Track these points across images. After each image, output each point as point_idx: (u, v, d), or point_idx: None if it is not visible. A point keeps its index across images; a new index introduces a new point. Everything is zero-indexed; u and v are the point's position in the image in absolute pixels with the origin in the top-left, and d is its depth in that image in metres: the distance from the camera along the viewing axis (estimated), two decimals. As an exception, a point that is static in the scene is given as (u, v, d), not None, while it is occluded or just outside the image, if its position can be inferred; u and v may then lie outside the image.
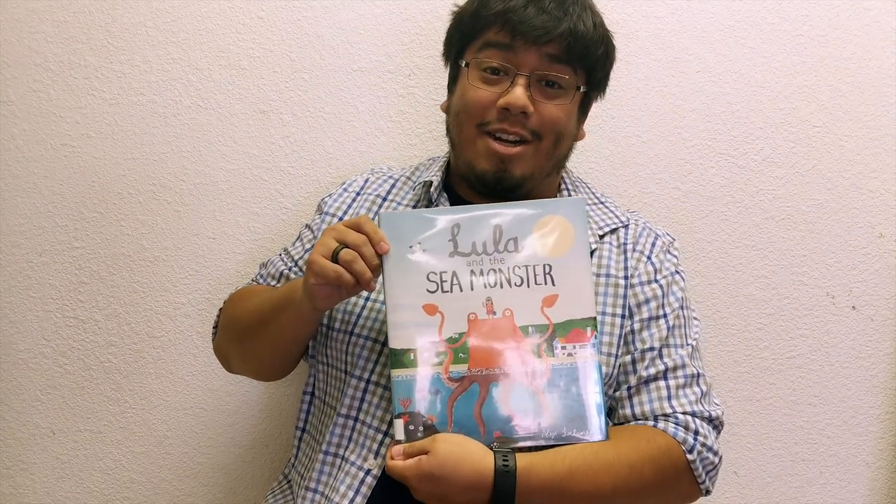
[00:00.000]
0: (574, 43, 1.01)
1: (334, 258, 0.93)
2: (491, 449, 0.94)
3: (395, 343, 0.97)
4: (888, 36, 1.46)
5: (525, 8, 1.00)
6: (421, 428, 0.96)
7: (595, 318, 0.98)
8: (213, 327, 1.23)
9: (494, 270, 0.98)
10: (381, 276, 0.99)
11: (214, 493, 1.47)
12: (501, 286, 0.97)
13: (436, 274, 0.97)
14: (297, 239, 1.21)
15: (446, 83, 1.17)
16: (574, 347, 0.97)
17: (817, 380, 1.50)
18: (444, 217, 0.99)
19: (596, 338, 0.98)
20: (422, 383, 0.96)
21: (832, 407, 1.50)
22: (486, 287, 0.97)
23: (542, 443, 0.97)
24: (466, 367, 0.96)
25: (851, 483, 1.52)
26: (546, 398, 0.96)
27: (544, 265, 0.98)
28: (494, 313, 0.97)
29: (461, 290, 0.97)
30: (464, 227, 0.98)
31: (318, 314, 1.03)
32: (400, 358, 0.97)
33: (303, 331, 1.06)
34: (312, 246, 1.11)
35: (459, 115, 1.07)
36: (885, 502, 1.53)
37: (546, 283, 0.98)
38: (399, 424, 0.96)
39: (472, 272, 0.98)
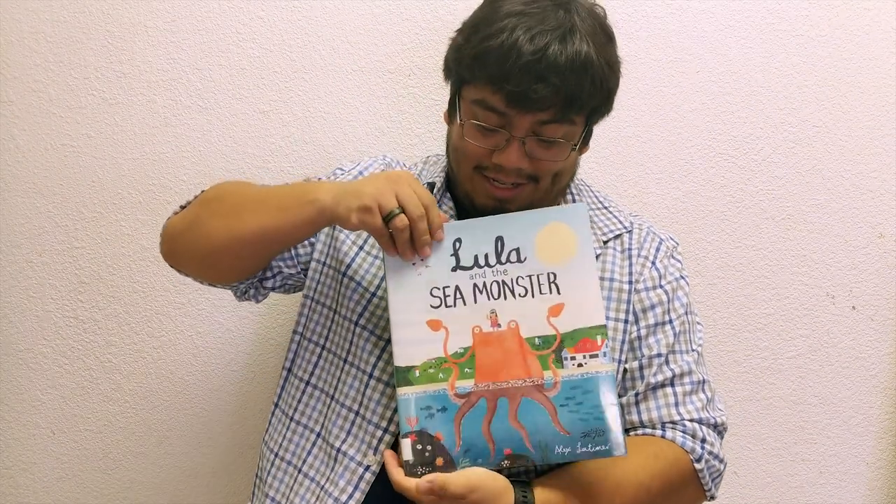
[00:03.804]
0: (571, 104, 0.96)
1: (387, 218, 0.90)
2: (499, 469, 0.91)
3: (399, 360, 0.94)
4: (888, 36, 1.42)
5: (523, 72, 0.93)
6: (429, 447, 0.92)
7: (604, 326, 0.93)
8: (181, 206, 1.13)
9: (498, 282, 0.94)
10: (384, 285, 0.96)
11: (214, 493, 1.44)
12: (505, 298, 0.94)
13: (439, 289, 0.95)
14: (306, 181, 1.15)
15: (445, 82, 1.17)
16: (584, 357, 0.93)
17: (817, 380, 1.47)
18: (445, 233, 0.96)
19: (607, 346, 0.92)
20: (428, 401, 0.93)
21: (832, 407, 1.48)
22: (489, 299, 0.94)
23: (556, 461, 0.91)
24: (473, 382, 0.93)
25: (851, 483, 1.49)
26: (558, 413, 0.92)
27: (548, 274, 0.94)
28: (499, 326, 0.94)
29: (465, 304, 0.94)
30: (465, 241, 0.96)
31: (328, 226, 0.99)
32: (405, 375, 0.93)
33: (300, 232, 0.99)
34: None
35: (457, 153, 1.04)
36: (885, 502, 1.50)
37: (551, 293, 0.94)
38: (406, 444, 0.92)
39: (476, 285, 0.95)
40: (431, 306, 0.95)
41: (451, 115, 1.07)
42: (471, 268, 0.95)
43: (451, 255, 0.96)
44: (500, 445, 0.91)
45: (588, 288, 0.94)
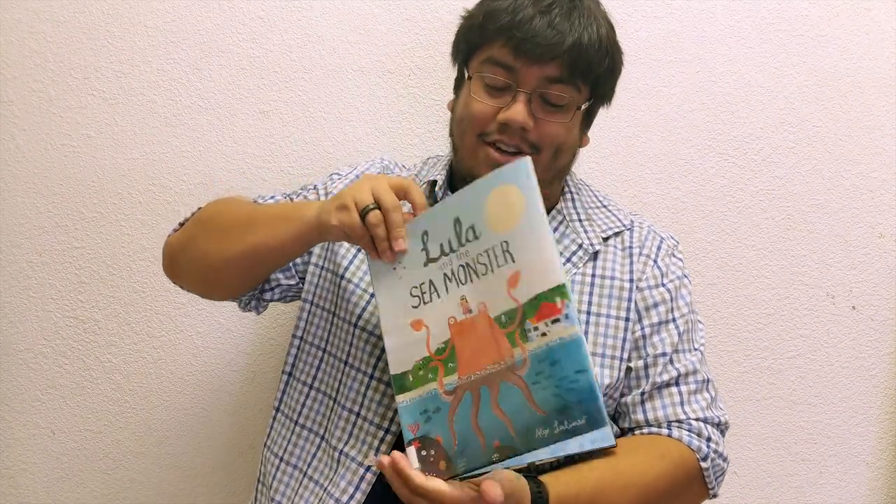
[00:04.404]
0: (577, 61, 0.99)
1: (363, 213, 0.90)
2: (491, 462, 0.88)
3: (394, 368, 0.92)
4: (888, 36, 1.42)
5: (531, 22, 0.97)
6: (432, 451, 0.89)
7: (564, 285, 0.82)
8: (180, 223, 1.15)
9: (462, 266, 0.90)
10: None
11: (214, 493, 1.44)
12: (472, 280, 0.89)
13: (417, 287, 0.92)
14: (302, 188, 1.18)
15: (445, 82, 1.15)
16: (546, 325, 0.83)
17: (817, 380, 1.47)
18: (414, 229, 0.93)
19: (568, 307, 0.82)
20: (424, 404, 0.90)
21: (832, 407, 1.47)
22: (458, 286, 0.90)
23: (539, 446, 0.84)
24: (456, 376, 0.89)
25: (851, 483, 1.49)
26: (531, 391, 0.84)
27: (501, 243, 0.87)
28: (471, 311, 0.89)
29: (439, 297, 0.91)
30: (431, 232, 0.92)
31: (318, 242, 0.99)
32: (401, 382, 0.91)
33: (291, 249, 1.00)
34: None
35: (462, 123, 1.05)
36: (885, 502, 1.49)
37: (507, 262, 0.87)
38: (412, 452, 0.89)
39: (445, 275, 0.91)
40: (412, 307, 0.92)
41: (457, 88, 1.09)
42: (439, 258, 0.92)
43: (422, 250, 0.92)
44: (488, 438, 0.86)
45: (542, 248, 0.85)
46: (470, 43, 1.05)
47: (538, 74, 0.99)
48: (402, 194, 0.92)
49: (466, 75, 1.05)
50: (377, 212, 0.90)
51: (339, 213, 0.91)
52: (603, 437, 0.93)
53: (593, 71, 1.01)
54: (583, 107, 1.04)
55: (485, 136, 1.03)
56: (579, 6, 1.00)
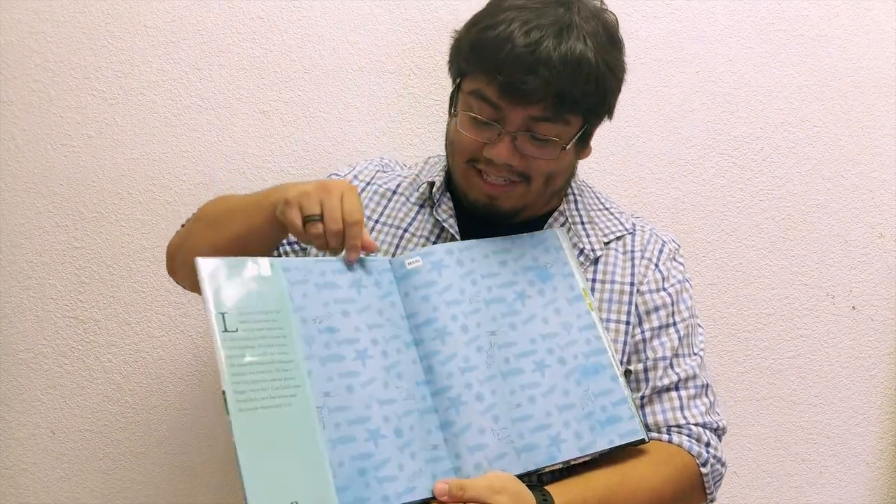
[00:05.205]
0: (563, 99, 0.94)
1: (305, 220, 0.90)
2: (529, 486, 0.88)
3: None
4: (888, 36, 1.41)
5: (515, 62, 0.92)
6: None
7: (223, 393, 0.81)
8: (182, 226, 1.17)
9: None
10: None
11: (214, 493, 1.43)
12: None
13: None
14: None
15: (445, 82, 1.12)
16: None
17: (817, 380, 1.46)
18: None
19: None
20: None
21: (832, 407, 1.47)
22: None
23: None
24: None
25: (851, 483, 1.48)
26: None
27: None
28: None
29: None
30: None
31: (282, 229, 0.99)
32: None
33: (267, 233, 1.01)
34: None
35: (452, 146, 1.04)
36: (885, 502, 1.49)
37: None
38: None
39: None
40: None
41: (450, 108, 1.07)
42: None
43: None
44: None
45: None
46: (460, 66, 1.02)
47: (523, 114, 0.96)
48: (342, 236, 0.91)
49: (452, 110, 1.03)
50: (318, 224, 0.90)
51: (283, 206, 0.92)
52: (625, 434, 0.96)
53: (582, 104, 0.97)
54: (574, 139, 1.00)
55: (474, 161, 1.01)
56: (569, 33, 0.94)
